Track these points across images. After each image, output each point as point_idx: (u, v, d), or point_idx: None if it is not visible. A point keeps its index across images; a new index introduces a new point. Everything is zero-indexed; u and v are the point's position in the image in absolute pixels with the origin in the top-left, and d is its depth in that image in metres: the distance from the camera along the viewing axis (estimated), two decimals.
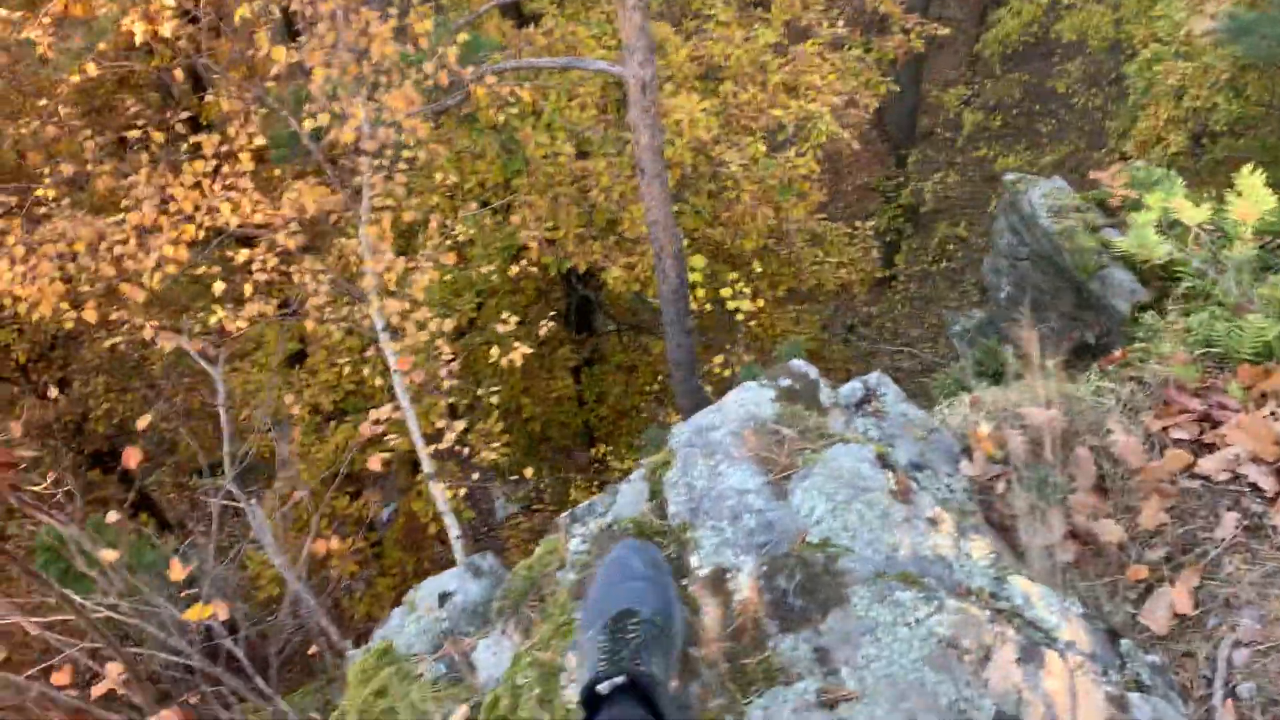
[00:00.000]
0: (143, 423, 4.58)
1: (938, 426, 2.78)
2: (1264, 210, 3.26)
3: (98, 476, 12.31)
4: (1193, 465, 2.75)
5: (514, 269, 8.71)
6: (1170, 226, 4.16)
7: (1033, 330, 3.16)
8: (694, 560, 2.16)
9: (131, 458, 3.80)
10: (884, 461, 2.31)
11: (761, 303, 10.49)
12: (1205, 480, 2.71)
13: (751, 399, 2.43)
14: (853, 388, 2.76)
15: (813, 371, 2.50)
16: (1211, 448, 2.85)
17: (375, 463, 4.88)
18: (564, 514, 2.43)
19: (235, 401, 10.16)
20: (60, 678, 3.53)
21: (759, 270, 11.17)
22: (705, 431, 2.35)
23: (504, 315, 6.87)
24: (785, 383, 2.49)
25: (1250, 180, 3.35)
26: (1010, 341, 5.04)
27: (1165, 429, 2.92)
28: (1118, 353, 3.35)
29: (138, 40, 5.35)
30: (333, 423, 10.81)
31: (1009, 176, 5.87)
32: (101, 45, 5.85)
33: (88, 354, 11.94)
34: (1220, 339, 3.14)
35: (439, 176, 7.38)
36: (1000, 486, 2.70)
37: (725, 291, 9.87)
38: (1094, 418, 3.00)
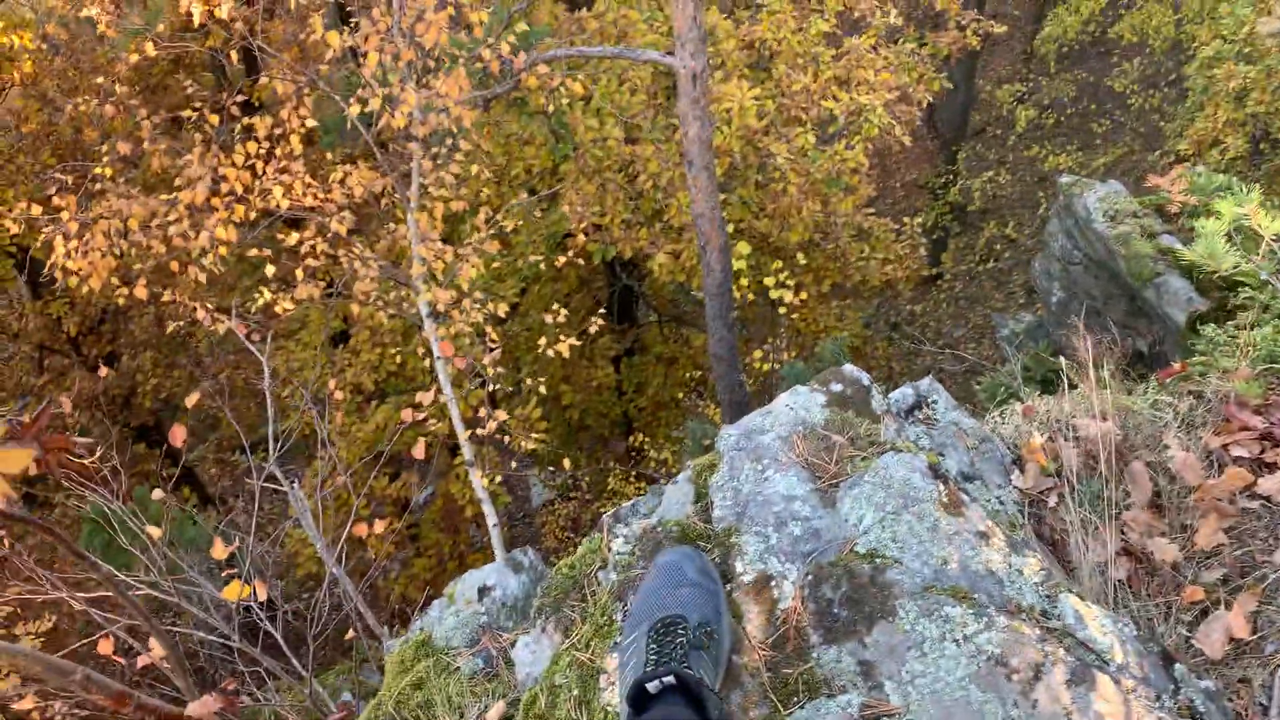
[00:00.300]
0: (191, 400, 4.62)
1: (989, 436, 2.72)
2: None
3: (142, 450, 12.52)
4: (1253, 485, 2.67)
5: (560, 260, 8.70)
6: (1234, 235, 4.05)
7: (1088, 339, 3.10)
8: (738, 566, 2.13)
9: (177, 435, 3.83)
10: (935, 472, 2.27)
11: (805, 296, 10.41)
12: (1265, 501, 2.63)
13: (802, 404, 2.39)
14: (904, 394, 2.71)
15: (865, 377, 2.45)
16: (1273, 467, 2.77)
17: (419, 450, 4.91)
18: (607, 513, 2.41)
19: (279, 379, 10.28)
20: (104, 646, 3.58)
21: (804, 263, 11.09)
22: (753, 435, 2.32)
23: (554, 307, 6.85)
24: (836, 388, 2.45)
25: None
26: (1062, 348, 4.95)
27: (1225, 446, 2.84)
28: (1177, 365, 3.27)
29: (195, 21, 5.40)
30: (374, 403, 10.90)
31: (1064, 179, 5.76)
32: (160, 26, 5.91)
33: (136, 329, 12.14)
34: None
35: (475, 168, 7.37)
36: (1052, 500, 2.64)
37: (768, 280, 9.81)
38: (1151, 432, 2.93)
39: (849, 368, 2.47)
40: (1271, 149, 10.74)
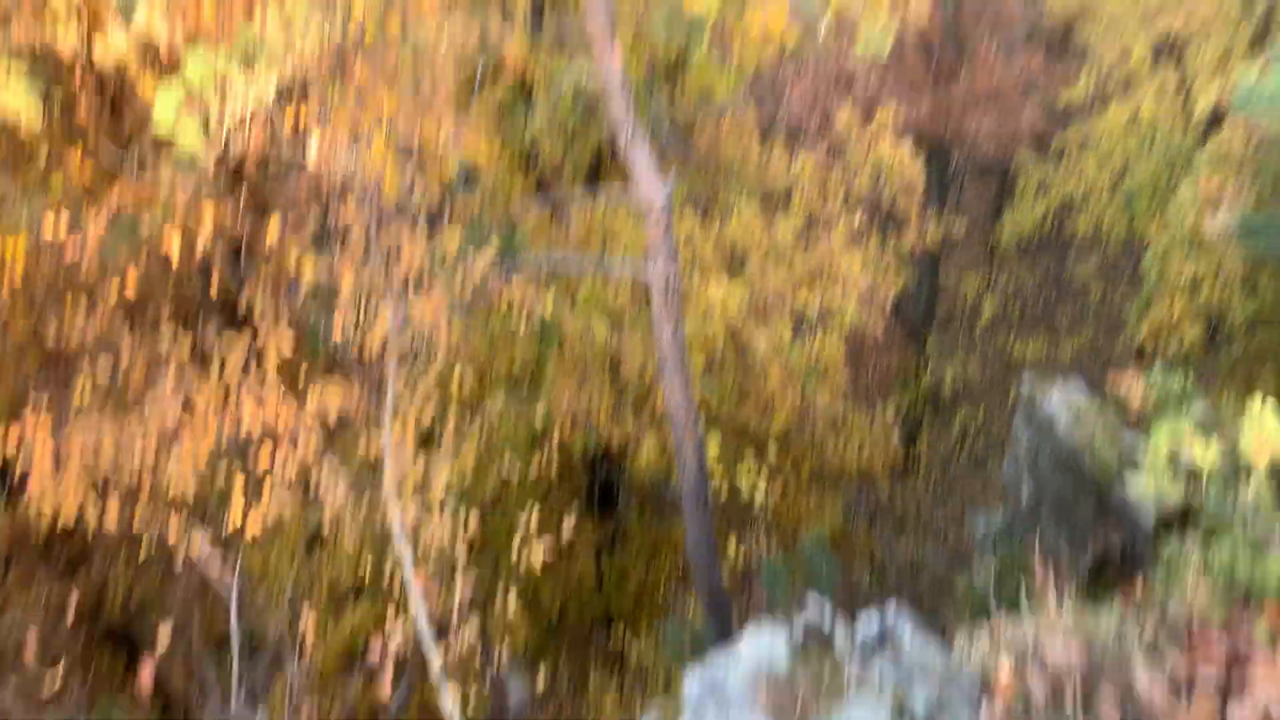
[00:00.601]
0: (162, 643, 4.53)
1: (956, 671, 2.72)
2: (1277, 449, 3.24)
3: (110, 659, 12.13)
4: (1223, 712, 2.66)
5: (534, 463, 8.79)
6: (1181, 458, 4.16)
7: (1048, 561, 3.14)
8: None
9: (145, 678, 3.75)
10: (901, 714, 2.26)
11: (781, 490, 10.48)
12: None
13: (765, 646, 2.40)
14: (870, 626, 2.72)
15: (828, 617, 2.47)
16: (1240, 687, 2.77)
17: (385, 689, 4.81)
18: None
19: (253, 580, 10.09)
20: None
21: (777, 455, 11.19)
22: (718, 686, 2.31)
23: (526, 513, 6.83)
24: (800, 628, 2.46)
25: (1263, 415, 3.34)
26: (1032, 556, 4.97)
27: (1191, 669, 2.84)
28: (1139, 582, 3.30)
29: (174, 262, 5.61)
30: (351, 598, 10.68)
31: (1026, 383, 5.92)
32: (140, 257, 6.11)
33: (107, 536, 11.97)
34: (1244, 573, 3.09)
35: (457, 373, 7.54)
36: None
37: (741, 477, 9.90)
38: (1117, 653, 2.93)
39: (812, 607, 2.49)
40: (1228, 341, 11.07)
